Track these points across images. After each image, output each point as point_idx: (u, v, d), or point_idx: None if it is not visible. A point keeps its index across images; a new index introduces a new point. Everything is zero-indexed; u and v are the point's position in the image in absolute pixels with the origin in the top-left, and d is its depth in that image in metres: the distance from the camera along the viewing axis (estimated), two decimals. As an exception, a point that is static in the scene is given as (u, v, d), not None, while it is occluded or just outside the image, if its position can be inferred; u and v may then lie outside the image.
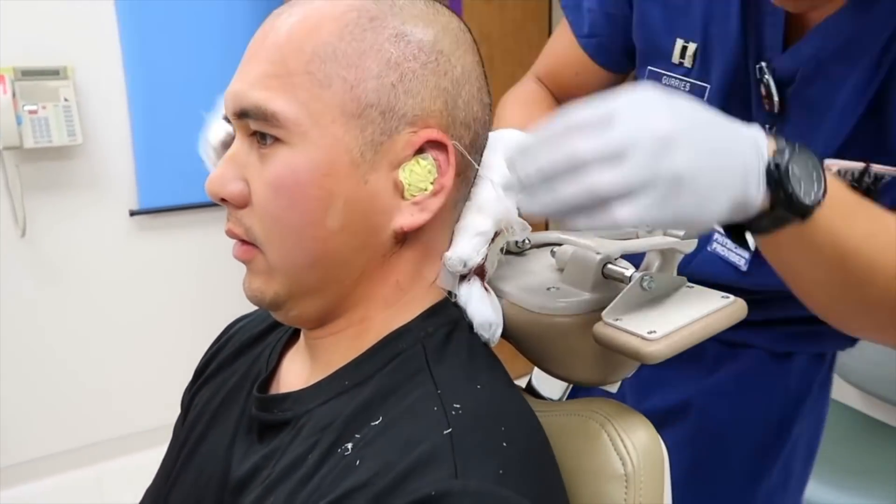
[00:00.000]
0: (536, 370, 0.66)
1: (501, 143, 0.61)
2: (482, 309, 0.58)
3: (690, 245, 0.60)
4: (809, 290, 0.60)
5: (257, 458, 0.56)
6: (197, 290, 2.24)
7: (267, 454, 0.56)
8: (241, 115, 0.52)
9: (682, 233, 0.57)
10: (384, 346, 0.55)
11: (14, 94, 1.83)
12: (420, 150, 0.53)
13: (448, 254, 0.57)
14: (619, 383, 0.64)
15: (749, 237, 0.54)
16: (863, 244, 0.54)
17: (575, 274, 0.61)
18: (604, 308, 0.55)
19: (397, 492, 0.44)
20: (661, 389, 0.94)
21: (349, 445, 0.49)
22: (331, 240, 0.53)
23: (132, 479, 1.17)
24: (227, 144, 0.58)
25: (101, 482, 2.15)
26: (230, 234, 0.56)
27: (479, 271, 0.60)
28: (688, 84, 0.78)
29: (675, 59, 0.79)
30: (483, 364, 0.55)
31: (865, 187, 0.69)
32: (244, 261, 0.56)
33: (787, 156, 0.48)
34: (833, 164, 0.69)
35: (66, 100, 1.90)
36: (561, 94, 0.93)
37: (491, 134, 0.61)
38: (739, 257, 0.80)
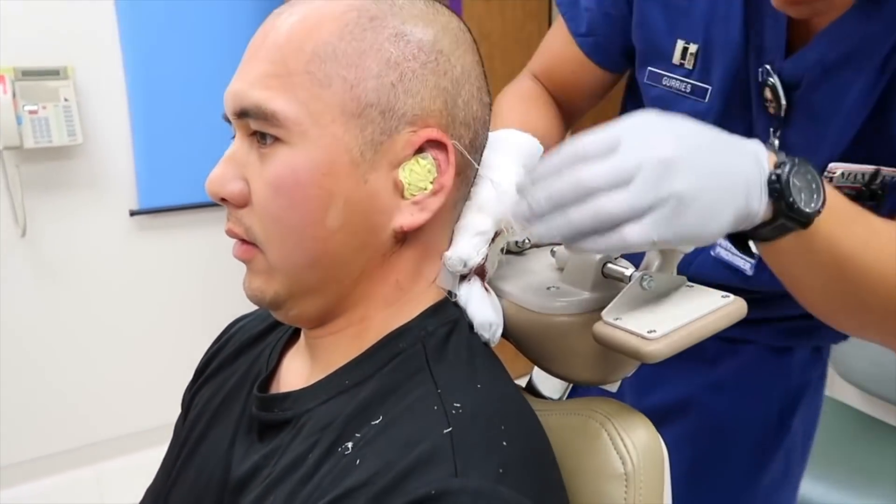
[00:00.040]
0: (536, 369, 0.66)
1: (504, 144, 0.62)
2: (482, 309, 0.58)
3: (689, 245, 0.60)
4: (808, 295, 0.62)
5: (258, 458, 0.56)
6: (197, 290, 2.24)
7: (267, 453, 0.56)
8: (241, 114, 0.52)
9: (690, 248, 0.57)
10: (384, 345, 0.55)
11: (14, 94, 1.83)
12: (420, 150, 0.53)
13: (448, 253, 0.57)
14: (619, 383, 0.64)
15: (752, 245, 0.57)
16: (859, 251, 0.56)
17: (575, 273, 0.61)
18: (604, 307, 0.55)
19: (397, 491, 0.44)
20: (660, 387, 0.94)
21: (349, 445, 0.49)
22: (331, 239, 0.53)
23: (132, 479, 1.18)
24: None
25: (101, 482, 2.15)
26: (230, 233, 0.56)
27: (480, 271, 0.60)
28: (689, 85, 0.78)
29: (676, 60, 0.79)
30: (483, 363, 0.55)
31: (873, 191, 0.70)
32: (244, 260, 0.56)
33: (787, 168, 0.51)
34: (837, 168, 0.70)
35: (66, 100, 1.91)
36: (557, 92, 0.92)
37: (491, 133, 0.61)
38: (744, 262, 0.80)
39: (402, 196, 0.53)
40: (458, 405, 0.49)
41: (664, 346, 0.50)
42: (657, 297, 0.56)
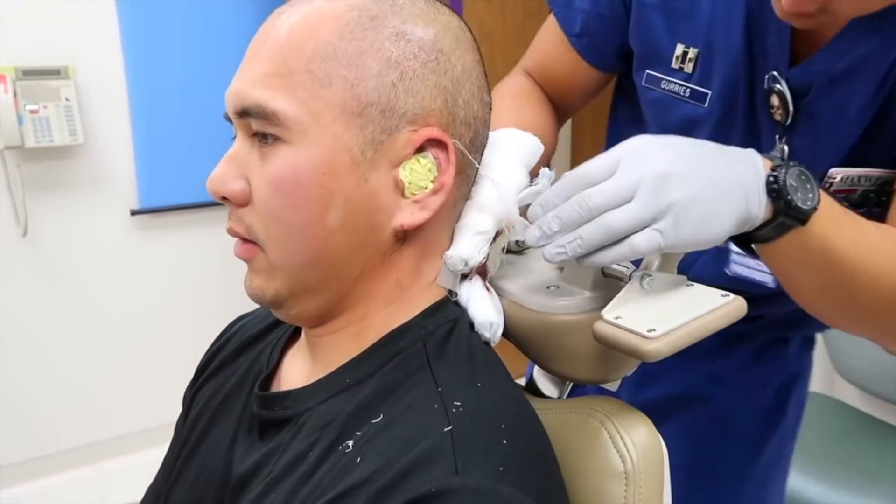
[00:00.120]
0: (537, 368, 0.67)
1: (505, 143, 0.62)
2: (483, 308, 0.58)
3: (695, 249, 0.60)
4: (805, 294, 0.66)
5: (258, 456, 0.56)
6: (198, 290, 2.24)
7: (268, 452, 0.56)
8: (242, 113, 0.53)
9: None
10: (385, 344, 0.55)
11: (15, 94, 1.83)
12: (420, 149, 0.53)
13: (449, 252, 0.57)
14: (619, 382, 0.64)
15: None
16: (850, 251, 0.60)
17: (575, 273, 0.61)
18: (604, 307, 0.55)
19: (398, 489, 0.44)
20: (658, 381, 0.94)
21: (350, 443, 0.49)
22: (331, 238, 0.53)
23: (133, 479, 1.18)
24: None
25: (102, 481, 2.15)
26: (231, 232, 0.56)
27: (481, 270, 0.60)
28: (688, 89, 0.79)
29: (675, 63, 0.79)
30: (483, 362, 0.55)
31: (881, 198, 0.72)
32: (245, 259, 0.56)
33: (783, 170, 0.55)
34: (837, 173, 0.72)
35: (67, 99, 1.91)
36: (550, 89, 0.92)
37: (492, 133, 0.61)
38: (763, 275, 0.80)
39: (403, 195, 0.54)
40: (459, 404, 0.49)
41: (664, 344, 0.50)
42: (657, 296, 0.56)
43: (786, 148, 0.74)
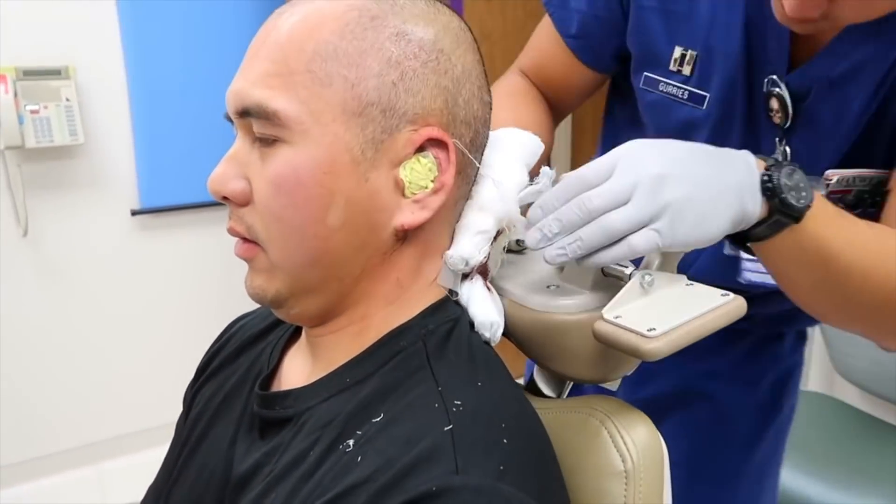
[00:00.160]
0: (537, 367, 0.67)
1: (506, 142, 0.62)
2: (484, 308, 0.58)
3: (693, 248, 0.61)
4: (800, 293, 0.68)
5: (259, 456, 0.56)
6: (198, 290, 2.25)
7: (268, 451, 0.56)
8: (243, 113, 0.53)
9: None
10: (385, 343, 0.55)
11: (16, 94, 1.84)
12: (421, 149, 0.53)
13: (450, 252, 0.57)
14: (619, 381, 0.64)
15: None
16: (844, 250, 0.61)
17: (575, 272, 0.61)
18: (604, 306, 0.56)
19: (398, 488, 0.44)
20: (656, 379, 0.95)
21: (350, 442, 0.49)
22: (332, 238, 0.53)
23: (134, 479, 1.18)
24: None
25: (103, 481, 2.15)
26: (232, 232, 0.56)
27: (482, 270, 0.60)
28: (686, 91, 0.79)
29: (673, 66, 0.80)
30: (484, 361, 0.55)
31: (875, 198, 0.73)
32: (246, 259, 0.56)
33: (777, 169, 0.57)
34: (834, 174, 0.73)
35: (67, 99, 1.91)
36: (546, 89, 0.92)
37: (492, 132, 0.61)
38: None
39: (403, 194, 0.54)
40: (459, 403, 0.49)
41: (664, 343, 0.51)
42: (657, 295, 0.56)
43: (787, 150, 0.75)
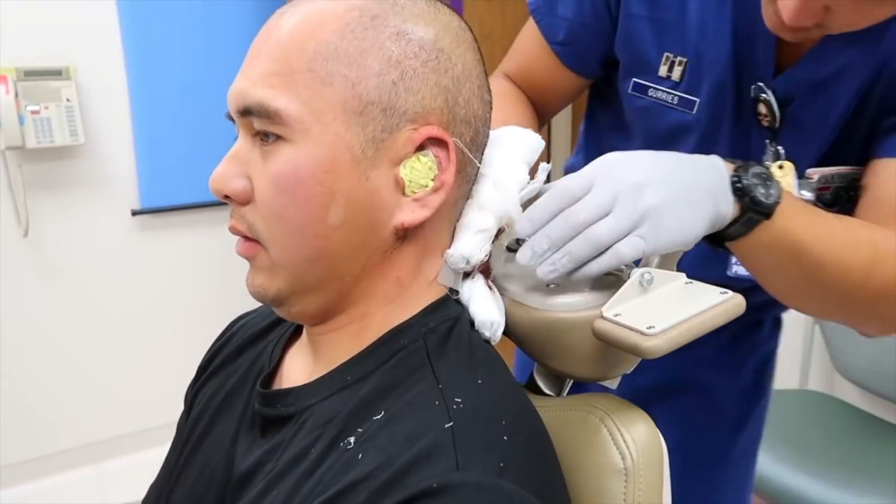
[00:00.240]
0: (537, 365, 0.67)
1: (506, 141, 0.62)
2: (485, 307, 0.59)
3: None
4: (777, 286, 0.71)
5: (260, 453, 0.56)
6: (199, 289, 2.25)
7: (270, 449, 0.56)
8: (245, 112, 0.53)
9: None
10: (385, 341, 0.56)
11: (16, 95, 1.84)
12: (421, 147, 0.54)
13: (450, 251, 0.58)
14: (619, 379, 0.64)
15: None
16: (815, 243, 0.64)
17: (575, 271, 0.61)
18: (604, 304, 0.56)
19: (399, 484, 0.44)
20: (646, 369, 0.96)
21: (351, 439, 0.50)
22: (332, 236, 0.53)
23: (135, 479, 1.18)
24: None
25: (104, 481, 2.16)
26: (233, 230, 0.56)
27: (483, 269, 0.61)
28: (676, 97, 0.82)
29: (663, 72, 0.82)
30: (484, 359, 0.55)
31: (850, 193, 0.77)
32: (247, 257, 0.56)
33: (744, 171, 0.60)
34: (815, 172, 0.77)
35: (68, 100, 1.91)
36: (531, 93, 0.93)
37: (492, 131, 0.61)
38: None
39: (403, 193, 0.54)
40: (460, 400, 0.49)
41: (663, 341, 0.51)
42: (656, 293, 0.57)
43: (780, 149, 0.78)
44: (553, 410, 0.61)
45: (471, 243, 0.57)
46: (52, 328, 2.06)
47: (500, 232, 0.60)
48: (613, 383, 0.65)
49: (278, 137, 0.52)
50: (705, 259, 0.78)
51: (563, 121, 3.16)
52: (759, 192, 0.59)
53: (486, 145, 0.60)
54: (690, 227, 0.57)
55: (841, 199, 0.78)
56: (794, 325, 2.16)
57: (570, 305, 0.59)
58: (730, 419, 1.02)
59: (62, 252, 2.04)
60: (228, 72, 0.56)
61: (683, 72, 0.81)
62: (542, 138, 0.64)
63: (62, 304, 2.07)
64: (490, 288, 0.61)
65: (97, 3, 1.97)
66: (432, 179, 0.54)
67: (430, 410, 0.49)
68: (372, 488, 0.45)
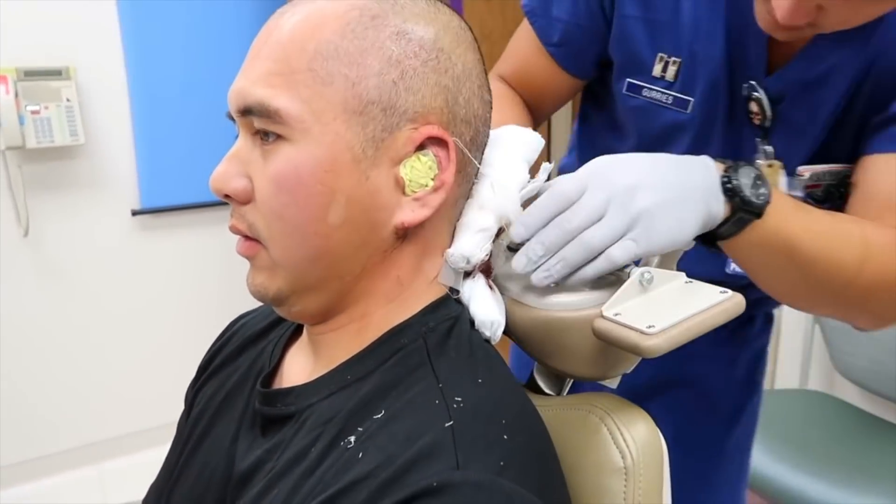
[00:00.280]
0: (537, 365, 0.67)
1: (506, 140, 0.62)
2: (485, 306, 0.59)
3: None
4: (770, 283, 0.72)
5: (261, 452, 0.57)
6: (199, 289, 2.25)
7: (270, 448, 0.56)
8: (245, 112, 0.53)
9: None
10: (385, 341, 0.56)
11: (16, 95, 1.84)
12: (421, 147, 0.54)
13: (451, 250, 0.58)
14: (619, 379, 0.65)
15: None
16: (805, 237, 0.65)
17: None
18: (603, 303, 0.56)
19: (399, 483, 0.44)
20: (642, 363, 0.98)
21: (352, 438, 0.50)
22: (332, 235, 0.53)
23: (135, 479, 1.18)
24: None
25: (104, 481, 2.16)
26: (233, 230, 0.56)
27: (484, 269, 0.61)
28: (671, 97, 0.83)
29: (657, 72, 0.83)
30: (484, 358, 0.55)
31: (841, 190, 0.79)
32: (247, 257, 0.57)
33: (734, 170, 0.60)
34: (806, 170, 0.79)
35: (68, 100, 1.91)
36: (526, 95, 0.94)
37: (493, 131, 0.61)
38: None
39: (404, 193, 0.54)
40: (460, 399, 0.49)
41: (663, 340, 0.51)
42: (656, 292, 0.57)
43: (769, 149, 0.80)
44: (553, 409, 0.61)
45: (471, 242, 0.58)
46: (53, 328, 2.06)
47: (500, 231, 0.60)
48: (613, 382, 0.65)
49: (279, 137, 0.52)
50: (703, 256, 0.79)
51: (563, 120, 3.16)
52: (750, 192, 0.59)
53: (486, 145, 0.60)
54: (682, 228, 0.57)
55: (832, 195, 0.79)
56: (794, 325, 2.16)
57: (570, 305, 0.59)
58: (724, 414, 1.03)
59: (62, 252, 2.05)
60: (228, 72, 0.56)
61: (678, 72, 0.81)
62: (542, 137, 0.65)
63: (62, 304, 2.07)
64: (491, 287, 0.61)
65: (97, 3, 1.97)
66: (432, 179, 0.54)
67: (431, 409, 0.49)
68: (372, 487, 0.45)
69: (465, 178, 0.58)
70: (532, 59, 0.91)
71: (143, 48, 2.05)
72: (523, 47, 0.92)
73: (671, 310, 0.53)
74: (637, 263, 0.59)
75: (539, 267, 0.57)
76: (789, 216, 0.64)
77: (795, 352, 2.14)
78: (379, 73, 0.52)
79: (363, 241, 0.54)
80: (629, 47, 0.84)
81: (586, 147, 1.01)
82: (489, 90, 0.60)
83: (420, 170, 0.54)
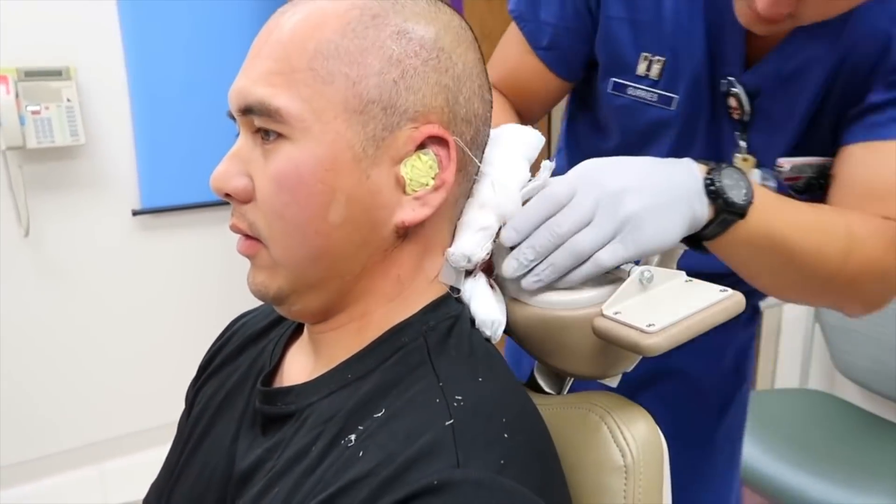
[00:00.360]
0: (537, 364, 0.67)
1: (507, 140, 0.62)
2: (486, 306, 0.59)
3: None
4: (759, 278, 0.73)
5: (261, 451, 0.57)
6: (199, 289, 2.25)
7: (271, 447, 0.56)
8: (246, 111, 0.53)
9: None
10: (386, 339, 0.56)
11: (17, 95, 1.84)
12: (421, 146, 0.54)
13: (451, 249, 0.58)
14: (619, 377, 0.65)
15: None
16: (789, 232, 0.66)
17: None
18: (604, 302, 0.56)
19: (399, 481, 0.44)
20: None
21: (352, 437, 0.50)
22: (333, 234, 0.53)
23: (135, 478, 1.18)
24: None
25: (104, 481, 2.16)
26: (234, 228, 0.56)
27: (486, 268, 0.61)
28: (655, 94, 0.85)
29: (641, 71, 0.85)
30: (484, 357, 0.55)
31: (821, 181, 0.81)
32: (248, 256, 0.57)
33: (716, 173, 0.60)
34: (786, 162, 0.81)
35: (68, 100, 1.91)
36: (515, 99, 0.94)
37: (493, 130, 0.61)
38: None
39: (404, 192, 0.54)
40: (460, 398, 0.49)
41: (663, 339, 0.51)
42: (656, 291, 0.57)
43: (742, 144, 0.83)
44: (553, 408, 0.61)
45: (472, 241, 0.58)
46: (53, 328, 2.07)
47: (501, 230, 0.60)
48: (614, 381, 0.65)
49: (279, 136, 0.52)
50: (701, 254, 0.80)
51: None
52: (733, 194, 0.60)
53: (486, 144, 0.60)
54: (669, 231, 0.58)
55: (812, 187, 0.81)
56: (795, 325, 2.16)
57: (570, 304, 0.59)
58: (713, 404, 1.05)
59: (63, 252, 2.05)
60: (229, 71, 0.57)
61: (661, 70, 0.83)
62: (542, 135, 0.65)
63: (63, 305, 2.07)
64: (492, 286, 0.61)
65: (97, 3, 1.97)
66: (433, 178, 0.54)
67: (431, 408, 0.49)
68: (373, 485, 0.45)
69: (466, 177, 0.58)
70: (521, 64, 0.92)
71: (144, 48, 2.05)
72: (511, 53, 0.93)
73: (671, 308, 0.53)
74: (637, 262, 0.59)
75: (529, 271, 0.58)
76: (773, 213, 0.65)
77: (796, 351, 2.14)
78: (379, 73, 0.52)
79: (364, 240, 0.54)
80: (614, 48, 0.85)
81: (573, 148, 1.03)
82: (489, 89, 0.60)
83: (421, 169, 0.54)
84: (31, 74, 1.86)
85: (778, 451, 1.63)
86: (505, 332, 0.61)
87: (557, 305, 0.59)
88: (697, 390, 1.04)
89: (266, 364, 0.65)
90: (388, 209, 0.54)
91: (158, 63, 2.07)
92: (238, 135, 0.56)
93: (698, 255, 0.86)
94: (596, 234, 0.56)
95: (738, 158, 0.83)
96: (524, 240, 0.58)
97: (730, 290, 0.55)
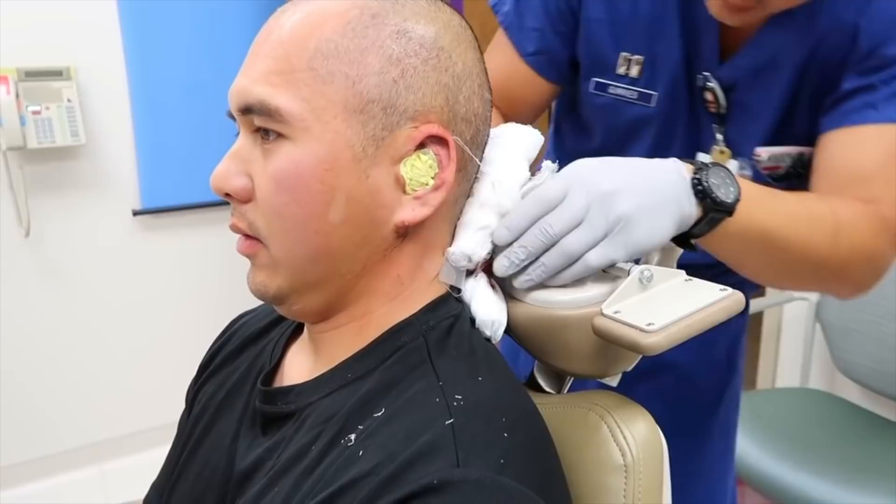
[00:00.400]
0: (537, 363, 0.67)
1: (507, 139, 0.62)
2: (486, 306, 0.59)
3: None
4: (752, 270, 0.74)
5: (261, 451, 0.57)
6: (200, 289, 2.25)
7: (271, 446, 0.56)
8: (245, 110, 0.53)
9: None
10: (386, 339, 0.56)
11: (17, 95, 1.84)
12: (421, 145, 0.54)
13: (452, 248, 0.58)
14: (619, 376, 0.65)
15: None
16: (777, 223, 0.67)
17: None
18: (603, 301, 0.56)
19: (399, 481, 0.44)
20: None
21: (352, 436, 0.50)
22: (333, 234, 0.53)
23: (136, 478, 1.18)
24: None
25: (105, 481, 2.16)
26: (234, 228, 0.56)
27: (487, 268, 0.61)
28: (635, 92, 0.87)
29: (621, 70, 0.87)
30: (484, 357, 0.56)
31: (798, 171, 0.84)
32: (248, 255, 0.57)
33: (703, 172, 0.60)
34: (763, 152, 0.84)
35: (69, 100, 1.91)
36: (504, 107, 0.95)
37: (493, 129, 0.61)
38: None
39: (404, 191, 0.54)
40: (460, 397, 0.50)
41: (663, 338, 0.51)
42: (656, 290, 0.57)
43: (719, 136, 0.85)
44: (553, 408, 0.61)
45: (472, 241, 0.58)
46: (54, 328, 2.07)
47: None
48: (614, 381, 0.65)
49: (279, 135, 0.52)
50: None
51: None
52: (720, 193, 0.60)
53: (486, 143, 0.60)
54: (659, 231, 0.58)
55: (791, 175, 0.84)
56: (795, 325, 2.16)
57: (570, 303, 0.59)
58: (707, 395, 1.07)
59: (63, 252, 2.05)
60: (229, 71, 0.57)
61: (641, 68, 0.86)
62: (542, 135, 0.65)
63: (63, 305, 2.07)
64: (493, 286, 0.61)
65: (97, 3, 1.98)
66: (433, 177, 0.54)
67: (431, 407, 0.49)
68: (373, 485, 0.45)
69: (466, 177, 0.58)
70: (509, 71, 0.93)
71: (144, 48, 2.05)
72: (500, 61, 0.93)
73: (671, 307, 0.53)
74: (637, 261, 0.59)
75: (521, 271, 0.58)
76: (759, 206, 0.66)
77: (796, 351, 2.14)
78: (379, 72, 0.52)
79: (364, 240, 0.54)
80: (594, 48, 0.88)
81: (559, 149, 1.05)
82: (489, 89, 0.60)
83: (420, 168, 0.54)
84: (31, 74, 1.87)
85: (778, 450, 1.63)
86: (505, 331, 0.61)
87: (558, 305, 0.59)
88: (691, 382, 1.05)
89: (266, 363, 0.65)
90: (387, 209, 0.54)
91: (158, 63, 2.08)
92: (238, 134, 0.56)
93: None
94: (587, 235, 0.56)
95: (716, 151, 0.85)
96: (516, 239, 0.58)
97: (729, 290, 0.56)
